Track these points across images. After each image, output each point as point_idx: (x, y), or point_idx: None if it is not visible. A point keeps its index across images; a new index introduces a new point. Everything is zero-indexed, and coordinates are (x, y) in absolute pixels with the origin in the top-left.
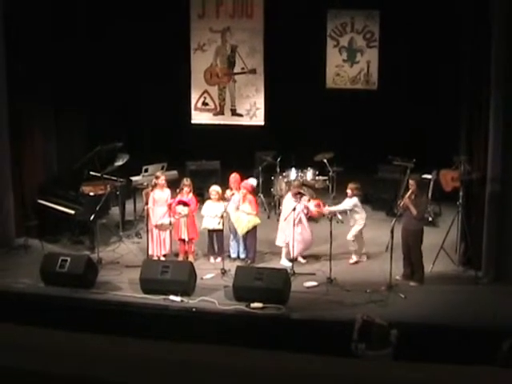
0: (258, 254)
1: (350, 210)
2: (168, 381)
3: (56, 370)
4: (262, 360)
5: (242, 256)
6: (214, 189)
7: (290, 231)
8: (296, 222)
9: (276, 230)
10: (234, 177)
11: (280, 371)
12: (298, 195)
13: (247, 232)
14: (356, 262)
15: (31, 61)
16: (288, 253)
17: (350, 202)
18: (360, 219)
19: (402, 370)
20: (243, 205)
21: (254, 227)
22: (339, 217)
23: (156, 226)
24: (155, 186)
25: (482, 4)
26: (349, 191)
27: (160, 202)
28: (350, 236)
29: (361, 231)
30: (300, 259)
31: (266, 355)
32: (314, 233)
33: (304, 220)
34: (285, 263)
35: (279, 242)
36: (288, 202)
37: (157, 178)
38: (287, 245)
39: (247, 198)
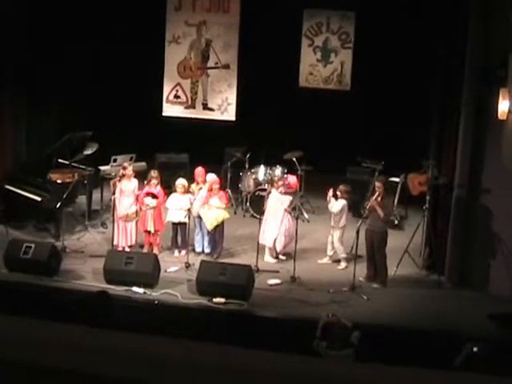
0: (223, 250)
1: (336, 213)
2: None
3: (13, 356)
4: (221, 355)
5: (207, 250)
6: (181, 182)
7: (278, 226)
8: (284, 217)
9: (243, 226)
10: (200, 170)
11: (238, 368)
12: (283, 188)
13: (216, 227)
14: (346, 267)
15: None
16: (272, 249)
17: (339, 204)
18: (342, 223)
19: (361, 370)
20: (212, 199)
21: (222, 222)
22: (305, 216)
23: (121, 218)
24: (123, 176)
25: (458, 9)
26: (338, 193)
27: (127, 192)
28: (337, 243)
29: (342, 234)
30: (281, 256)
31: (225, 350)
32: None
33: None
34: (269, 260)
35: (267, 239)
36: (274, 197)
37: (124, 168)
38: (274, 241)
39: (218, 193)
